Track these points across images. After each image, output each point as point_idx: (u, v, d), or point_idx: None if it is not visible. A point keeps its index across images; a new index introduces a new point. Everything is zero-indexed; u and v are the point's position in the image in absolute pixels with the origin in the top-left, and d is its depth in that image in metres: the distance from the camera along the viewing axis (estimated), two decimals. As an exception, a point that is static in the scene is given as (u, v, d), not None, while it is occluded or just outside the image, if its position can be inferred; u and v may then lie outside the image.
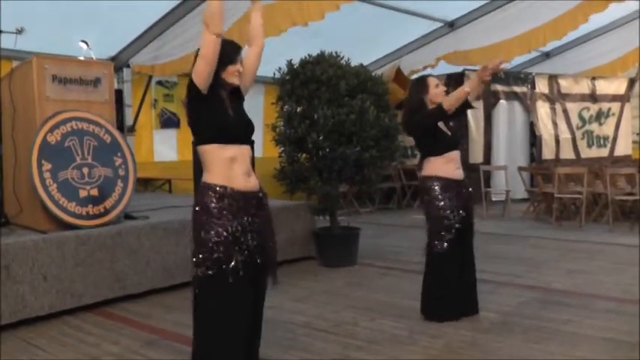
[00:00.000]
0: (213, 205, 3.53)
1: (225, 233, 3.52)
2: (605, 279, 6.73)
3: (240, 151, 3.63)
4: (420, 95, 5.22)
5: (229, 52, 3.59)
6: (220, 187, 3.55)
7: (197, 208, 3.58)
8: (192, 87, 3.49)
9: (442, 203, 5.08)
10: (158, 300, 6.14)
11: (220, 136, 3.54)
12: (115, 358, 4.55)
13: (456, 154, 5.22)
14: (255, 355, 3.93)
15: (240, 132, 3.66)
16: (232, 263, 3.53)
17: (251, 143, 3.75)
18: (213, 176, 3.57)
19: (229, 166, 3.57)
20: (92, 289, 5.77)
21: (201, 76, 3.43)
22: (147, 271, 6.24)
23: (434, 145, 5.16)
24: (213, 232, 3.51)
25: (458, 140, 5.40)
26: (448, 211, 5.08)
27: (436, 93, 5.17)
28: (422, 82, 5.32)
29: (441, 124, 5.19)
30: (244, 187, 3.64)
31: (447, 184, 5.11)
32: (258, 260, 3.74)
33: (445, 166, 5.13)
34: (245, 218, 3.63)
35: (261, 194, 3.80)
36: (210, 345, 3.64)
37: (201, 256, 3.55)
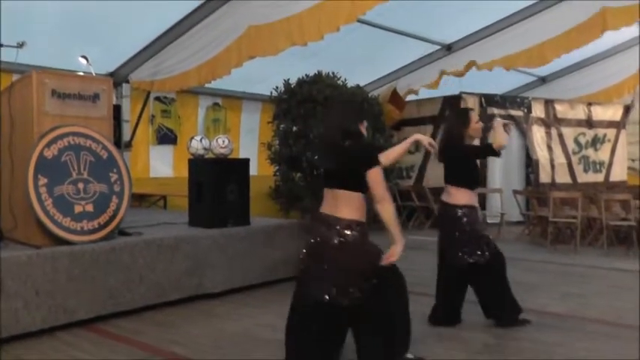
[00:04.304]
0: None
1: None
2: (599, 302, 6.73)
3: None
4: (462, 128, 5.52)
5: None
6: None
7: None
8: None
9: (478, 226, 5.56)
10: (150, 317, 6.11)
11: None
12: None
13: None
14: None
15: None
16: None
17: None
18: None
19: None
20: (85, 305, 5.74)
21: None
22: (140, 287, 6.21)
23: (470, 178, 5.49)
24: None
25: None
26: (485, 232, 5.60)
27: (476, 128, 5.54)
28: (465, 115, 5.68)
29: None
30: None
31: (476, 211, 5.56)
32: None
33: (474, 197, 5.56)
34: None
35: None
36: None
37: None
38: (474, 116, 5.65)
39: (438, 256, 5.80)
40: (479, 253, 5.52)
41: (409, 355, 4.46)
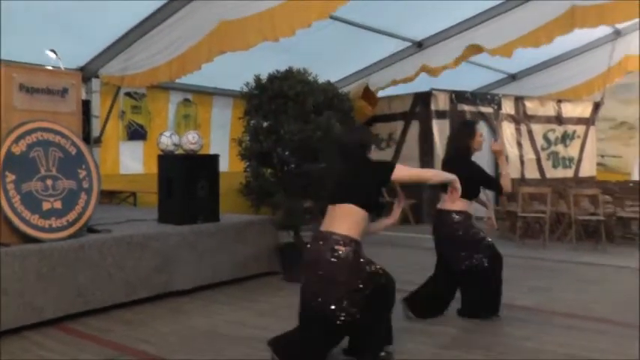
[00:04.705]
0: None
1: None
2: (567, 296, 6.82)
3: None
4: (468, 140, 5.79)
5: None
6: None
7: None
8: None
9: (476, 230, 5.74)
10: (120, 315, 6.06)
11: None
12: (74, 374, 4.47)
13: None
14: None
15: None
16: None
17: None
18: None
19: None
20: (54, 304, 5.66)
21: None
22: (109, 285, 6.15)
23: (471, 192, 5.60)
24: None
25: None
26: (482, 234, 5.75)
27: (479, 142, 5.82)
28: (471, 127, 5.97)
29: None
30: None
31: (471, 218, 5.78)
32: None
33: (470, 206, 5.78)
34: None
35: None
36: None
37: None
38: (478, 129, 5.92)
39: (436, 260, 5.93)
40: (480, 256, 5.66)
41: (382, 353, 4.57)
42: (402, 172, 4.40)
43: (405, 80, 13.38)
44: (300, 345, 4.49)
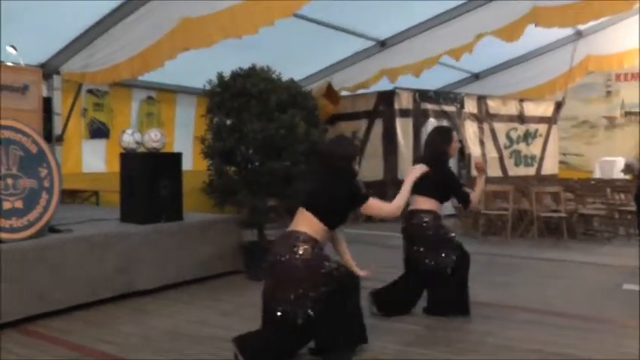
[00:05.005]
0: None
1: None
2: (527, 291, 6.90)
3: None
4: (445, 145, 5.85)
5: None
6: None
7: None
8: None
9: (445, 230, 5.81)
10: (81, 316, 5.96)
11: None
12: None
13: None
14: None
15: None
16: None
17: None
18: None
19: None
20: (14, 306, 5.52)
21: None
22: (70, 286, 6.04)
23: (443, 196, 5.81)
24: None
25: None
26: (451, 234, 5.84)
27: (454, 148, 5.92)
28: (448, 133, 6.03)
29: None
30: None
31: (441, 219, 5.84)
32: None
33: (441, 208, 5.85)
34: None
35: None
36: None
37: None
38: (455, 136, 5.98)
39: (404, 261, 5.94)
40: (447, 256, 5.70)
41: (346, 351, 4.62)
42: (371, 209, 4.65)
43: (366, 84, 13.46)
44: (265, 345, 4.50)
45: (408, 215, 5.83)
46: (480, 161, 6.44)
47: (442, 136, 6.00)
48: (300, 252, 4.34)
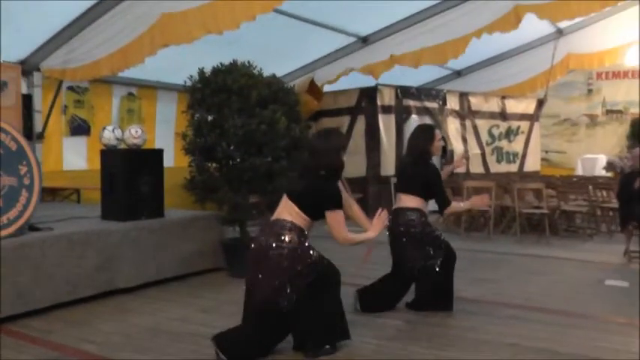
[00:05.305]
0: None
1: None
2: (509, 287, 6.92)
3: None
4: (428, 144, 5.87)
5: None
6: None
7: None
8: None
9: (431, 228, 5.84)
10: (61, 315, 5.89)
11: None
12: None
13: None
14: None
15: None
16: None
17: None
18: None
19: None
20: (-8, 305, 5.45)
21: None
22: (50, 285, 5.96)
23: (427, 194, 5.80)
24: None
25: None
26: (437, 232, 5.90)
27: (437, 146, 5.93)
28: (430, 132, 6.00)
29: None
30: None
31: (427, 217, 5.84)
32: None
33: (426, 206, 5.85)
34: None
35: None
36: None
37: None
38: (438, 134, 5.97)
39: (392, 258, 5.95)
40: (434, 254, 5.73)
41: (326, 346, 4.63)
42: (334, 221, 4.60)
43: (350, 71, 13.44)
44: (244, 339, 4.52)
45: (394, 214, 5.82)
46: (459, 160, 6.57)
47: (425, 134, 6.00)
48: (287, 240, 4.40)
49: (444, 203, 5.81)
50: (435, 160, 5.97)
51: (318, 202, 4.57)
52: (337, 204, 4.59)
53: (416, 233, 5.70)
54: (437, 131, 6.04)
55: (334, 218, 4.57)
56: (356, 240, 4.70)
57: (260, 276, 4.44)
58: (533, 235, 10.39)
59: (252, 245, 4.62)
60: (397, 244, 5.84)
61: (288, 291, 4.37)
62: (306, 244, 4.51)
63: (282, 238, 4.42)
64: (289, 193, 4.62)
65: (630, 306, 5.94)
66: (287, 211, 4.54)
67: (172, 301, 6.44)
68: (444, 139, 14.52)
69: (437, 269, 5.70)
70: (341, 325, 4.70)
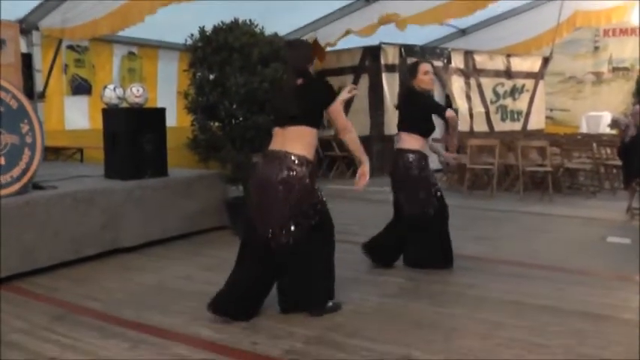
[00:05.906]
0: None
1: None
2: (511, 245, 6.95)
3: None
4: (410, 81, 5.89)
5: None
6: None
7: None
8: None
9: (428, 173, 5.78)
10: (66, 273, 5.93)
11: None
12: (23, 334, 4.37)
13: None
14: None
15: None
16: None
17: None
18: None
19: None
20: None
21: None
22: (55, 243, 5.99)
23: (424, 126, 5.77)
24: None
25: None
26: (434, 180, 5.85)
27: (423, 80, 5.80)
28: (414, 67, 5.92)
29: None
30: None
31: (426, 159, 5.78)
32: None
33: (425, 144, 5.83)
34: None
35: None
36: None
37: None
38: (422, 67, 5.85)
39: (393, 204, 5.95)
40: (427, 198, 5.72)
41: (329, 303, 4.61)
42: (337, 108, 4.53)
43: (362, 32, 13.27)
44: (236, 285, 4.52)
45: (395, 156, 5.85)
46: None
47: (410, 71, 6.04)
48: (298, 174, 4.32)
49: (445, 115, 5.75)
50: (436, 117, 5.87)
51: (318, 101, 4.49)
52: (334, 95, 4.55)
53: (415, 176, 5.69)
54: (423, 64, 5.94)
55: (336, 109, 4.52)
56: (359, 146, 4.66)
57: (266, 208, 4.36)
58: (536, 192, 10.38)
59: (260, 175, 4.49)
60: (397, 188, 5.86)
61: (292, 229, 4.33)
62: (315, 184, 4.46)
63: (296, 171, 4.31)
64: (287, 121, 4.45)
65: (631, 262, 5.94)
66: (292, 142, 4.37)
67: (176, 259, 6.48)
68: (448, 96, 14.47)
69: (432, 213, 5.69)
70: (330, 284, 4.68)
